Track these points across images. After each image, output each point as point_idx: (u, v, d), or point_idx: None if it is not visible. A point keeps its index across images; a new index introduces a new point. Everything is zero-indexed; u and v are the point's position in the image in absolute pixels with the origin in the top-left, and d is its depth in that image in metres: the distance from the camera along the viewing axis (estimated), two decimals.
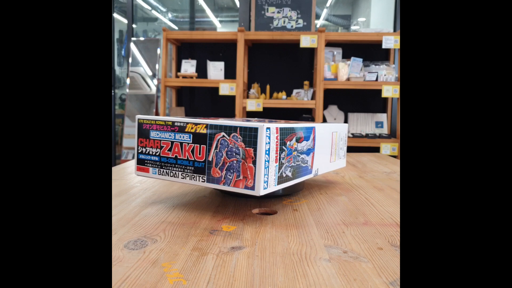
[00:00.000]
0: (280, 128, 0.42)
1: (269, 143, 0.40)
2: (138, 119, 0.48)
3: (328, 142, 0.56)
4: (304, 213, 0.46)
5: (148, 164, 0.47)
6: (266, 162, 0.40)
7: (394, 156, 2.47)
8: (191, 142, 0.43)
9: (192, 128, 0.43)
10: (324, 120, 2.59)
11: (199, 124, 0.42)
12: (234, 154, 0.40)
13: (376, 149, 2.65)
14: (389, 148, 2.37)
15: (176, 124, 0.44)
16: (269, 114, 2.68)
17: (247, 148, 0.40)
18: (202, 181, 0.43)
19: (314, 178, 0.69)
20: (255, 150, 0.39)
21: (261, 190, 0.39)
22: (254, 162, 0.39)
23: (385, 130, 2.59)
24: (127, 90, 2.94)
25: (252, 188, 0.39)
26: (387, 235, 0.39)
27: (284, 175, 0.43)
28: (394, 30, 2.77)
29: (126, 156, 2.89)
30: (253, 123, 0.40)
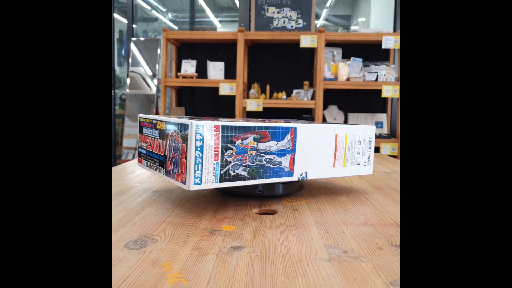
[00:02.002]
0: (223, 126, 0.42)
1: (201, 139, 0.40)
2: (139, 117, 0.54)
3: (327, 144, 0.51)
4: (304, 213, 0.46)
5: (142, 157, 0.53)
6: (198, 159, 0.40)
7: (394, 156, 2.47)
8: (158, 137, 0.47)
9: (159, 125, 0.47)
10: (324, 120, 2.59)
11: (163, 121, 0.46)
12: (177, 149, 0.42)
13: (376, 149, 2.65)
14: (389, 148, 2.37)
15: (153, 121, 0.49)
16: (269, 114, 2.68)
17: (183, 144, 0.41)
18: (163, 173, 0.46)
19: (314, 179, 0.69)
20: (187, 146, 0.40)
21: (191, 185, 0.40)
22: (187, 158, 0.41)
23: (385, 130, 2.59)
24: (127, 90, 2.94)
25: (184, 182, 0.41)
26: (387, 235, 0.39)
27: (232, 173, 0.43)
28: (394, 30, 2.77)
29: (126, 156, 2.89)
30: (187, 120, 0.41)
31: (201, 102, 2.76)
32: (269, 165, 0.46)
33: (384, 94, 2.31)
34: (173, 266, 0.30)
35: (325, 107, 2.66)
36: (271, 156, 0.46)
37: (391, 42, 2.32)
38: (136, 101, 2.91)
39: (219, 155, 0.42)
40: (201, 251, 0.34)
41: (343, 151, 0.53)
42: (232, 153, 0.43)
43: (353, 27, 6.21)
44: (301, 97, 2.52)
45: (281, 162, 0.47)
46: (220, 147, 0.42)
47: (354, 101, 2.66)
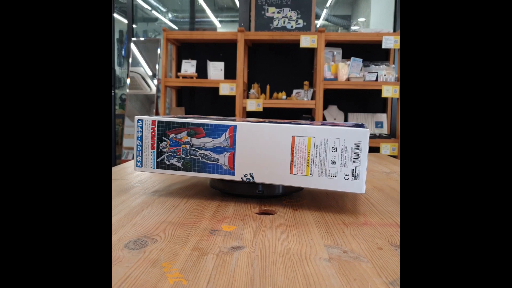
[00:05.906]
0: (158, 121, 0.50)
1: (141, 131, 0.50)
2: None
3: (280, 147, 0.45)
4: (304, 213, 0.46)
5: None
6: (139, 146, 0.51)
7: (394, 156, 2.47)
8: None
9: None
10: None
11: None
12: None
13: (376, 149, 2.65)
14: (389, 148, 2.37)
15: None
16: (269, 114, 2.68)
17: None
18: None
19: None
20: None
21: (134, 167, 0.52)
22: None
23: (385, 130, 2.59)
24: (127, 90, 2.94)
25: None
26: (387, 235, 0.39)
27: (167, 163, 0.50)
28: (394, 30, 2.77)
29: (126, 156, 2.89)
30: (140, 116, 0.50)
31: (201, 102, 2.76)
32: (205, 160, 0.48)
33: (384, 94, 2.30)
34: (173, 266, 0.30)
35: (325, 107, 2.66)
36: (206, 152, 0.48)
37: (391, 42, 2.32)
38: (136, 101, 2.91)
39: (155, 145, 0.50)
40: (201, 251, 0.34)
41: (304, 157, 0.44)
42: (166, 145, 0.50)
43: (353, 27, 6.21)
44: (301, 97, 2.52)
45: (218, 159, 0.48)
46: (156, 139, 0.50)
47: (354, 101, 2.66)
